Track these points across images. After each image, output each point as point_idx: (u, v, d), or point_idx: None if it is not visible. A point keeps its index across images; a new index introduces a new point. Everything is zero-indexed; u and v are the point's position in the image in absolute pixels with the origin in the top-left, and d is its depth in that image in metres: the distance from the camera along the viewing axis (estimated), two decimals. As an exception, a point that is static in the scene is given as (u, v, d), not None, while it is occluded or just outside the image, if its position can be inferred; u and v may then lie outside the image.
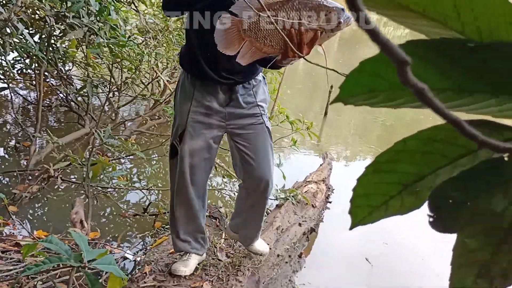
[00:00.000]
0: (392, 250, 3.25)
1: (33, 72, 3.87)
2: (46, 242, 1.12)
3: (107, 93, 3.17)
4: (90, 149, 2.24)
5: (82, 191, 2.85)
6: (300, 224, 3.06)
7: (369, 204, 0.56)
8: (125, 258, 2.68)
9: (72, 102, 4.19)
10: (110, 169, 2.17)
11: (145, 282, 2.22)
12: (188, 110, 1.89)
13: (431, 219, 0.48)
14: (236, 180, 3.39)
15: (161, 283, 2.25)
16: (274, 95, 4.19)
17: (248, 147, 2.01)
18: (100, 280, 2.32)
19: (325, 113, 5.92)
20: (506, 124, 0.46)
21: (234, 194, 3.48)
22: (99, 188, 2.94)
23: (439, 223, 0.48)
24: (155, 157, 4.07)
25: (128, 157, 3.59)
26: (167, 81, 3.71)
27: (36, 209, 3.05)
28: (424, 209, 0.50)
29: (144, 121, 4.33)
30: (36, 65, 3.46)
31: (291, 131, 3.69)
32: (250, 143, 2.01)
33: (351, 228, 0.58)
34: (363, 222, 0.57)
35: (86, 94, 2.94)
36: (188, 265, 2.28)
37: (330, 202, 3.69)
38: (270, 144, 2.07)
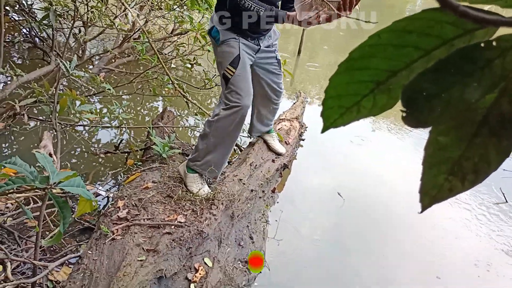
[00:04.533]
0: (365, 185, 3.33)
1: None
2: (10, 164, 1.07)
3: (72, 23, 3.01)
4: (57, 83, 2.15)
5: (50, 127, 2.77)
6: (273, 160, 3.08)
7: (340, 105, 0.54)
8: (97, 195, 2.67)
9: (36, 38, 3.99)
10: (79, 104, 2.10)
11: (118, 216, 2.22)
12: (238, 42, 2.39)
13: (404, 114, 0.46)
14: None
15: (134, 217, 2.26)
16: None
17: (270, 74, 2.69)
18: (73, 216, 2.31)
19: (299, 52, 5.85)
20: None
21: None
22: (67, 124, 2.86)
23: (413, 118, 0.46)
24: (126, 97, 3.98)
25: (97, 94, 3.49)
26: (137, 15, 3.55)
27: (3, 148, 2.97)
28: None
29: (113, 59, 4.18)
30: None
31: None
32: (270, 70, 2.68)
33: (322, 131, 0.57)
34: (334, 125, 0.55)
35: (50, 25, 2.78)
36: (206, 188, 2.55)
37: (303, 140, 3.71)
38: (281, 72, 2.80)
